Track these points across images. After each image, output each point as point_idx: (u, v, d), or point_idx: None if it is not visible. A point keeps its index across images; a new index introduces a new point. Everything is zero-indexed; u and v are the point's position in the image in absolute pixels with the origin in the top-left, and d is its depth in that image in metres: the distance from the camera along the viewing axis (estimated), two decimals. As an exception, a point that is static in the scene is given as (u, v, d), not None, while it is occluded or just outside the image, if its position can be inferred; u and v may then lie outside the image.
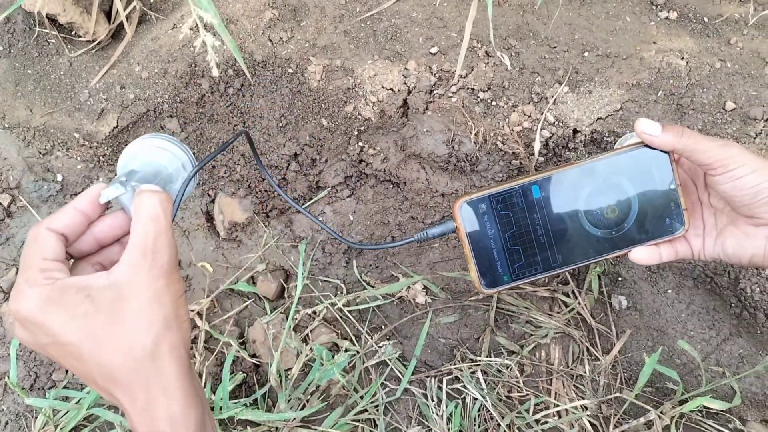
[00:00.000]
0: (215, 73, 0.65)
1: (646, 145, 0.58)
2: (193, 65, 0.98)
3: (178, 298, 0.49)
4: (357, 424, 0.93)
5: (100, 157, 1.04)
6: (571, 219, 0.60)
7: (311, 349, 0.94)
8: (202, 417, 0.50)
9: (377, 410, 0.95)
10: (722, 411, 0.94)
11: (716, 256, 0.59)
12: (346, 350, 0.95)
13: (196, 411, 0.49)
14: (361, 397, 0.95)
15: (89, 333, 0.46)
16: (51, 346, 0.48)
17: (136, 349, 0.47)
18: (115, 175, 0.73)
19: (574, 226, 0.60)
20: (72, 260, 0.53)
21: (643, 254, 0.60)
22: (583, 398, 0.95)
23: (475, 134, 0.95)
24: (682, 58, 0.94)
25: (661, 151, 0.57)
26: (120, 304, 0.47)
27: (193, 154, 0.82)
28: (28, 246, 0.50)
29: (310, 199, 1.03)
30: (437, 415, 0.93)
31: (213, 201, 1.04)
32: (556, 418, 0.94)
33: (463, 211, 0.61)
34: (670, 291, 0.98)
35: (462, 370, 0.95)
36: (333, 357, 0.91)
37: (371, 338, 0.98)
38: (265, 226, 1.04)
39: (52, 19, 1.02)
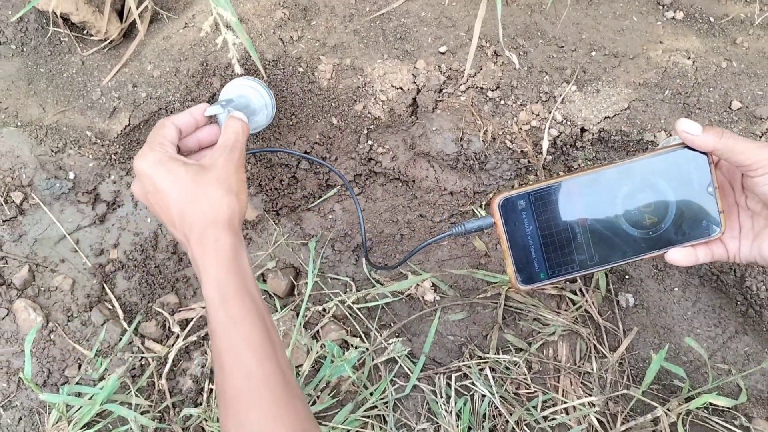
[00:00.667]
0: (238, 70, 0.66)
1: (686, 146, 0.58)
2: (205, 64, 0.99)
3: (241, 182, 0.70)
4: (367, 420, 0.94)
5: (112, 155, 1.05)
6: (609, 218, 0.60)
7: (322, 346, 0.95)
8: (237, 262, 0.66)
9: (387, 407, 0.96)
10: (728, 408, 0.94)
11: (752, 260, 0.60)
12: (356, 347, 0.96)
13: (236, 264, 0.65)
14: (371, 394, 0.96)
15: (178, 187, 0.67)
16: (152, 194, 0.69)
17: (206, 202, 0.66)
18: (130, 171, 1.00)
19: (612, 226, 0.60)
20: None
21: (679, 255, 0.60)
22: (590, 395, 0.96)
23: (484, 133, 0.96)
24: (689, 57, 0.95)
25: (700, 152, 0.58)
26: (203, 174, 0.68)
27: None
28: (155, 129, 0.73)
29: (320, 197, 1.04)
30: (446, 411, 0.94)
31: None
32: (563, 414, 0.95)
33: (502, 206, 0.61)
34: (676, 289, 0.99)
35: (470, 367, 0.96)
36: (343, 354, 0.92)
37: (380, 335, 0.99)
38: (276, 224, 1.05)
39: (65, 18, 1.03)
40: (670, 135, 0.95)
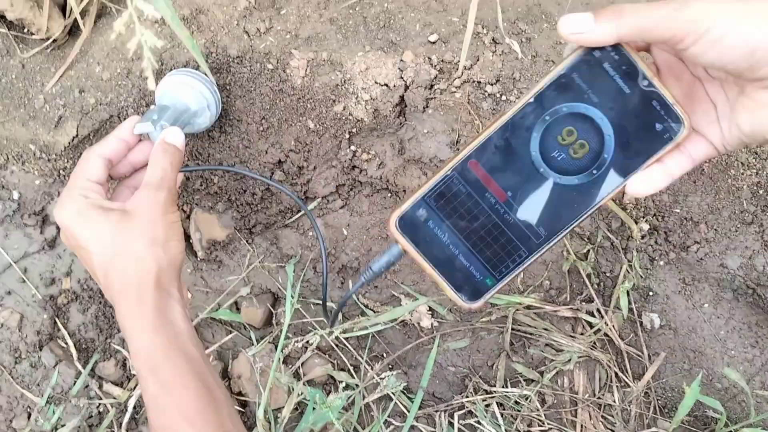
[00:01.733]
0: (151, 86, 0.53)
1: (588, 48, 0.43)
2: (161, 62, 0.86)
3: (170, 226, 0.62)
4: (358, 468, 0.83)
5: (60, 171, 0.92)
6: (534, 178, 0.46)
7: (305, 384, 0.83)
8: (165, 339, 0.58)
9: (380, 451, 0.84)
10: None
11: (738, 140, 0.44)
12: (345, 385, 0.84)
13: (156, 334, 0.57)
14: (362, 437, 0.84)
15: (100, 242, 0.60)
16: (75, 248, 0.63)
17: (128, 258, 0.59)
18: None
19: (541, 185, 0.46)
20: (112, 182, 0.70)
21: (641, 184, 0.45)
22: (612, 431, 0.84)
23: (484, 134, 0.83)
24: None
25: (608, 47, 0.43)
26: (125, 223, 0.60)
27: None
28: (78, 166, 0.66)
29: (298, 211, 0.92)
30: (448, 454, 0.83)
31: (188, 217, 0.93)
32: (582, 453, 0.84)
33: (401, 227, 0.48)
34: (706, 305, 0.87)
35: (475, 403, 0.84)
36: (328, 395, 0.80)
37: (372, 369, 0.87)
38: (249, 243, 0.92)
39: (0, 17, 0.90)
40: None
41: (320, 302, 0.90)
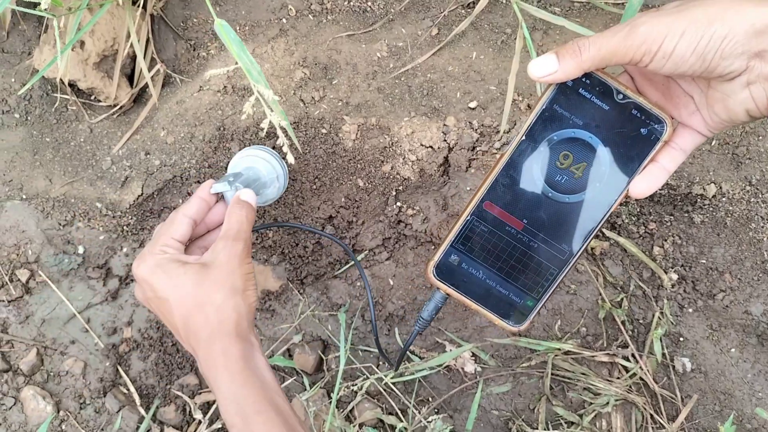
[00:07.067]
0: (291, 160, 0.60)
1: (560, 84, 0.48)
2: (222, 128, 0.94)
3: (247, 276, 0.64)
4: None
5: (124, 227, 0.99)
6: (545, 203, 0.51)
7: (358, 426, 0.88)
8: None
9: (430, 492, 0.88)
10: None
11: (719, 125, 0.48)
12: (394, 429, 0.88)
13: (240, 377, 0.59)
14: (413, 479, 0.88)
15: (179, 293, 0.61)
16: (153, 300, 0.64)
17: (209, 307, 0.61)
18: (143, 242, 0.99)
19: (554, 209, 0.52)
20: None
21: (642, 185, 0.49)
22: (650, 471, 0.88)
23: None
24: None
25: (578, 79, 0.48)
26: (204, 275, 0.62)
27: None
28: (165, 225, 0.68)
29: (347, 263, 0.98)
30: (495, 495, 0.87)
31: (244, 269, 0.99)
32: (622, 493, 0.87)
33: (438, 274, 0.55)
34: (733, 350, 0.93)
35: (519, 445, 0.89)
36: (383, 438, 0.84)
37: (419, 412, 0.92)
38: (300, 294, 0.98)
39: (72, 85, 0.98)
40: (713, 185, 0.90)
41: (369, 349, 0.96)
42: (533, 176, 0.51)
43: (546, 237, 0.53)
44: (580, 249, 0.53)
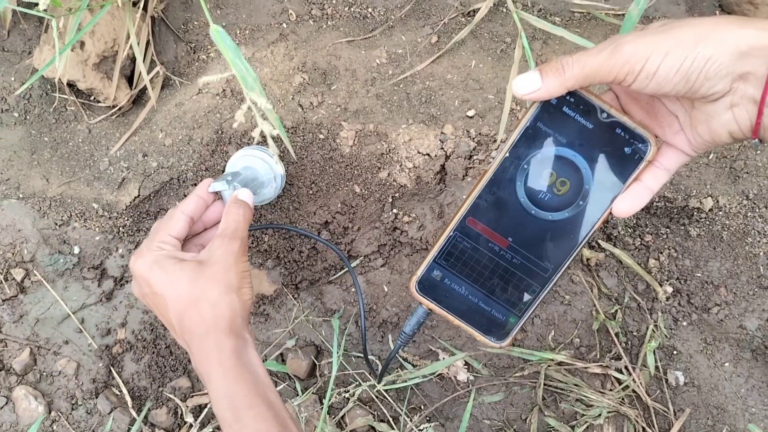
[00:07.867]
0: (281, 171, 0.60)
1: (544, 102, 0.48)
2: (220, 131, 0.94)
3: (242, 275, 0.65)
4: None
5: (120, 228, 0.99)
6: (528, 220, 0.51)
7: (348, 435, 0.87)
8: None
9: (420, 501, 0.88)
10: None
11: (702, 146, 0.47)
12: (385, 436, 0.88)
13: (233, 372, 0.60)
14: (403, 487, 0.88)
15: (175, 289, 0.62)
16: (149, 296, 0.65)
17: (204, 303, 0.61)
18: (139, 244, 0.95)
19: (536, 225, 0.51)
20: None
21: (625, 204, 0.49)
22: (641, 484, 0.88)
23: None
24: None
25: (562, 97, 0.47)
26: (200, 271, 0.63)
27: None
28: (162, 221, 0.70)
29: (342, 268, 0.98)
30: (485, 505, 0.86)
31: (239, 273, 0.99)
32: (613, 506, 0.87)
33: (421, 289, 0.55)
34: (727, 364, 0.92)
35: (510, 456, 0.89)
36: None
37: (411, 420, 0.91)
38: (295, 298, 0.98)
39: (71, 85, 0.98)
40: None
41: (362, 355, 0.96)
42: (516, 193, 0.51)
43: (528, 254, 0.53)
44: (562, 267, 0.52)
